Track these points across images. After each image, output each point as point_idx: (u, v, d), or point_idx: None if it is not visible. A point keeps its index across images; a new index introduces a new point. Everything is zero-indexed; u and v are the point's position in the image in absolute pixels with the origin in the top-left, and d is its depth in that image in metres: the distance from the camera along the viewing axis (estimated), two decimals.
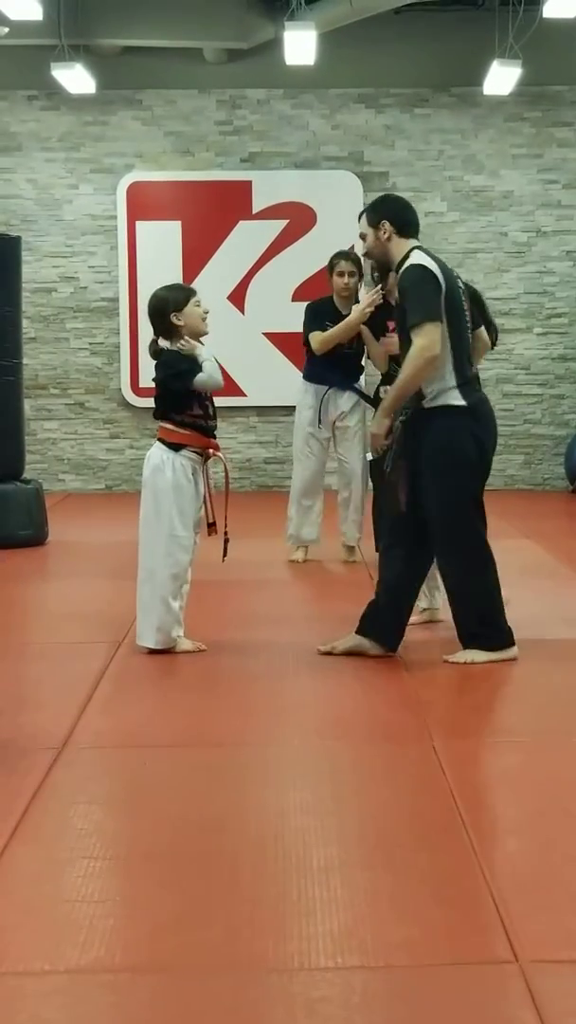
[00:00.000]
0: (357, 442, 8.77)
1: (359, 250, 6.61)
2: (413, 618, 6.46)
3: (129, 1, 12.53)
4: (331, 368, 8.66)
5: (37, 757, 4.68)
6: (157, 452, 6.28)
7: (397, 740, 4.93)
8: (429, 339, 5.80)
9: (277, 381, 13.35)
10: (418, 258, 5.96)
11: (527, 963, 3.06)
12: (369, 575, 8.32)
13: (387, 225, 6.06)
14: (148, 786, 4.47)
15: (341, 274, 8.58)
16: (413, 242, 6.07)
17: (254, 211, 13.57)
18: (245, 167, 13.66)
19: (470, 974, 3.05)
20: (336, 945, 3.17)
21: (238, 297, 13.55)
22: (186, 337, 6.25)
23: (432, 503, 5.97)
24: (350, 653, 6.15)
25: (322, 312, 8.65)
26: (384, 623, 6.18)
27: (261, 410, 13.65)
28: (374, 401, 8.14)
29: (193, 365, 6.22)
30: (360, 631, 6.18)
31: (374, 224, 6.12)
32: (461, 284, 6.12)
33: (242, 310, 13.57)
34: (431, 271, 5.90)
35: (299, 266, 13.17)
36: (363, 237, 6.32)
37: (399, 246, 6.06)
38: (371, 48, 13.21)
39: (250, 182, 13.58)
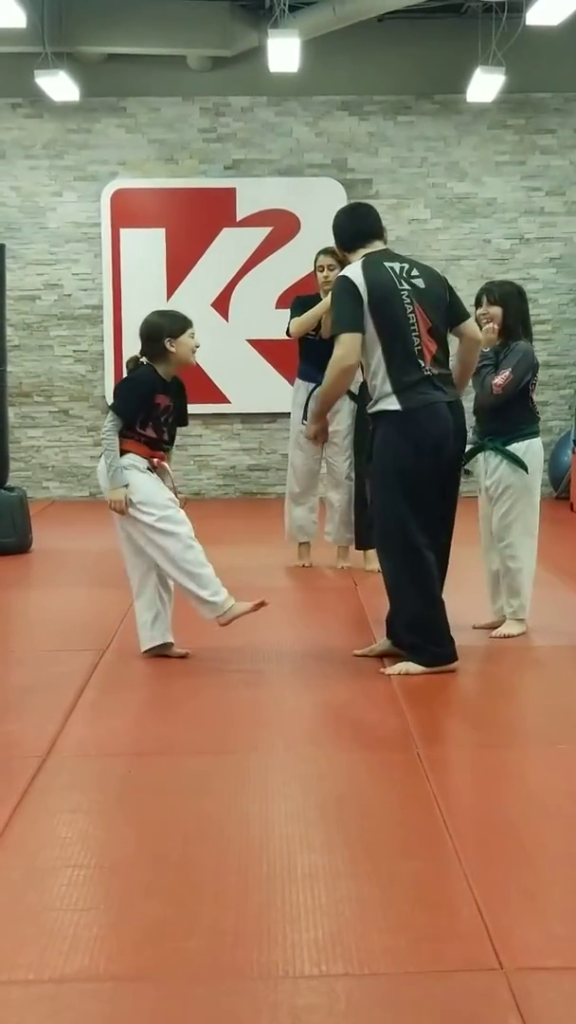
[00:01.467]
0: (347, 446, 8.83)
1: None
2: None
3: (113, 9, 12.54)
4: (320, 367, 8.68)
5: (21, 765, 4.67)
6: (101, 462, 6.30)
7: (382, 747, 4.93)
8: (344, 349, 5.91)
9: (261, 388, 13.37)
10: (348, 270, 6.05)
11: (512, 970, 3.06)
12: (353, 581, 8.32)
13: (339, 249, 6.33)
14: (133, 794, 4.47)
15: (320, 268, 8.74)
16: (362, 252, 6.10)
17: (238, 218, 13.57)
18: (229, 174, 13.67)
19: (455, 981, 3.05)
20: (321, 953, 3.17)
21: (222, 304, 13.55)
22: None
23: (374, 504, 6.09)
24: (384, 655, 6.24)
25: (307, 303, 8.81)
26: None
27: (245, 417, 13.65)
28: (359, 399, 8.25)
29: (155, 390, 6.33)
30: (389, 634, 6.27)
31: (336, 249, 6.40)
32: (421, 284, 6.05)
33: (226, 317, 13.58)
34: (351, 281, 5.94)
35: (283, 273, 13.17)
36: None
37: (352, 260, 6.14)
38: (354, 55, 13.24)
39: (234, 189, 13.59)
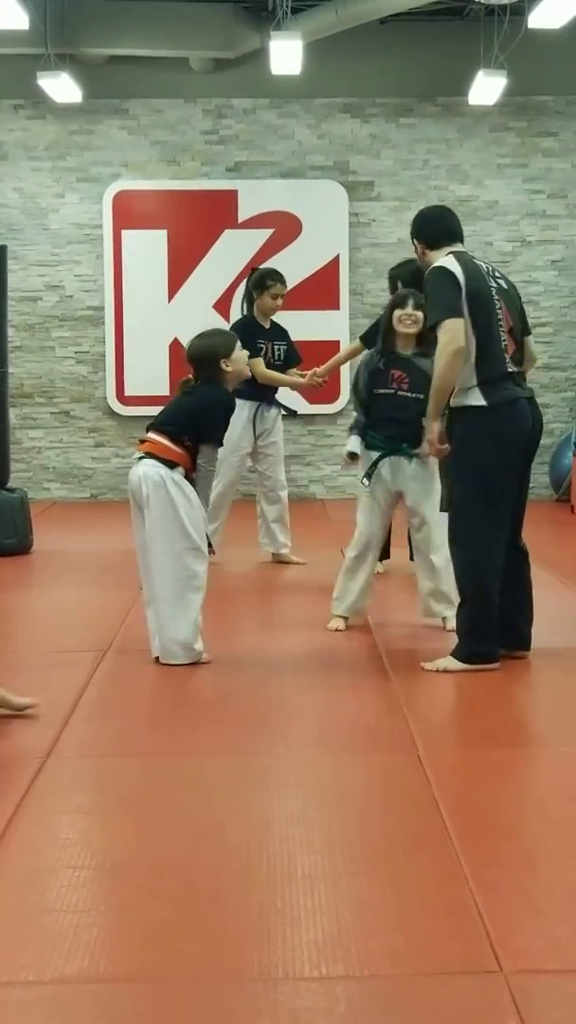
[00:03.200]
0: (281, 456, 9.36)
1: None
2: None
3: (115, 10, 12.54)
4: (261, 385, 8.97)
5: (22, 766, 4.67)
6: (153, 468, 6.20)
7: (382, 749, 4.94)
8: (449, 334, 5.89)
9: None
10: (442, 262, 6.09)
11: (512, 973, 3.06)
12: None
13: (417, 243, 6.34)
14: (133, 795, 4.47)
15: (275, 296, 8.83)
16: (447, 250, 6.17)
17: (240, 220, 13.57)
18: (231, 176, 13.67)
19: (455, 983, 3.05)
20: (321, 954, 3.17)
21: (223, 306, 13.54)
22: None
23: (451, 500, 6.10)
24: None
25: (254, 331, 8.93)
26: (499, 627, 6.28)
27: None
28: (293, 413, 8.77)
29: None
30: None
31: (412, 240, 6.38)
32: (504, 285, 6.16)
33: (227, 319, 13.56)
34: (449, 271, 6.00)
35: (285, 275, 13.15)
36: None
37: (432, 259, 6.21)
38: (357, 58, 13.24)
39: (236, 191, 13.59)
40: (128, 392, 13.69)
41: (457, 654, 6.07)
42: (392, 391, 6.79)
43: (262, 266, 9.65)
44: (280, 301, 8.87)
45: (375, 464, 6.81)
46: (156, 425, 6.31)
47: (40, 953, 3.19)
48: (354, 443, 6.93)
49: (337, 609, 7.00)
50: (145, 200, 13.61)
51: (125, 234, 13.59)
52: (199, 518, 6.20)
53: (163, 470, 6.17)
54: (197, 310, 13.51)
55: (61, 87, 12.40)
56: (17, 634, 7.35)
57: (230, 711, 5.50)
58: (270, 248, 13.50)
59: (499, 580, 6.08)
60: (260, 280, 9.04)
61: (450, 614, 6.66)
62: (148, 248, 13.55)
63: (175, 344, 13.59)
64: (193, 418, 6.20)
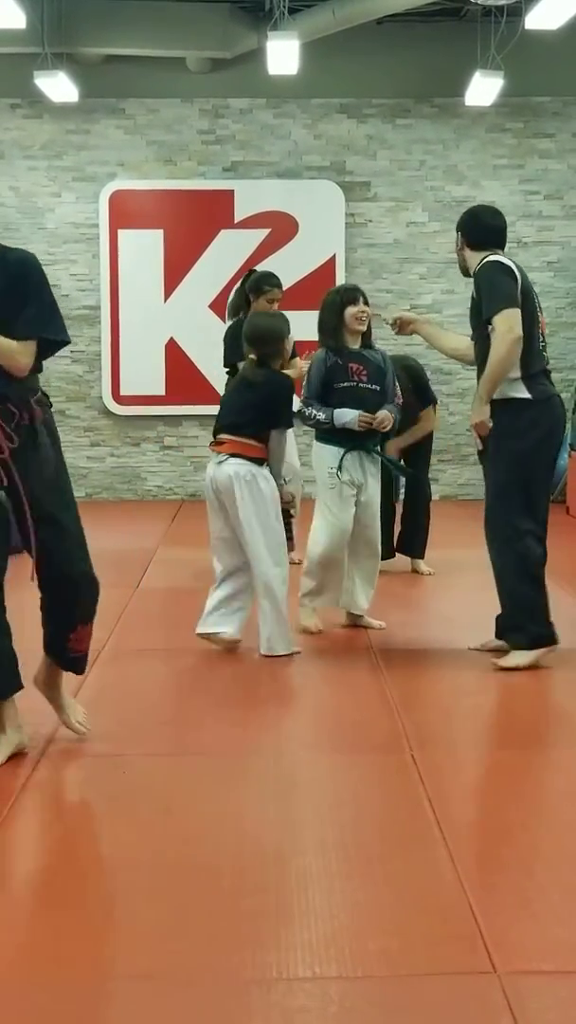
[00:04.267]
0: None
1: None
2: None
3: (112, 10, 12.54)
4: None
5: (17, 764, 4.67)
6: (244, 467, 6.32)
7: (376, 750, 4.94)
8: (509, 323, 5.96)
9: None
10: (495, 257, 6.16)
11: (505, 974, 3.06)
12: None
13: (460, 236, 6.34)
14: (128, 795, 4.47)
15: (272, 301, 8.79)
16: (487, 254, 6.20)
17: (236, 220, 13.57)
18: (227, 176, 13.67)
19: (449, 984, 3.05)
20: (314, 955, 3.17)
21: (219, 306, 13.50)
22: (295, 361, 6.50)
23: (487, 491, 6.17)
24: (497, 651, 6.32)
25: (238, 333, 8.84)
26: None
27: None
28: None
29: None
30: (497, 635, 6.38)
31: (456, 231, 6.40)
32: (536, 289, 6.34)
33: (224, 318, 13.54)
34: (505, 264, 6.09)
35: (281, 275, 12.99)
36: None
37: (472, 257, 6.25)
38: (353, 58, 13.24)
39: (232, 191, 13.59)
40: (124, 392, 13.69)
41: (521, 644, 6.14)
42: (354, 383, 6.80)
43: (258, 268, 9.62)
44: (276, 306, 8.86)
45: (342, 457, 6.78)
46: (231, 428, 6.44)
47: (33, 953, 3.19)
48: (348, 415, 6.85)
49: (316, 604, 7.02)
50: (141, 200, 13.61)
51: (121, 234, 13.58)
52: (278, 513, 6.45)
53: (254, 468, 6.33)
54: (193, 310, 13.53)
55: (58, 86, 12.39)
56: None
57: (224, 712, 5.50)
58: (266, 248, 13.50)
59: (544, 564, 6.19)
60: (256, 284, 9.01)
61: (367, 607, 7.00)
62: (144, 248, 13.55)
63: (171, 344, 13.60)
64: (263, 413, 6.37)
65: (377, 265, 13.77)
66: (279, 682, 6.00)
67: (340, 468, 6.75)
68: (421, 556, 8.93)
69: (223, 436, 6.44)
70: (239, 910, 3.43)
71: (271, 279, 9.00)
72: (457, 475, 13.93)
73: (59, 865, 3.77)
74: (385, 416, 6.74)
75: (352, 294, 6.93)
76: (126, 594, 8.01)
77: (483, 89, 12.42)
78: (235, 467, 6.31)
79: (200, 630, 6.46)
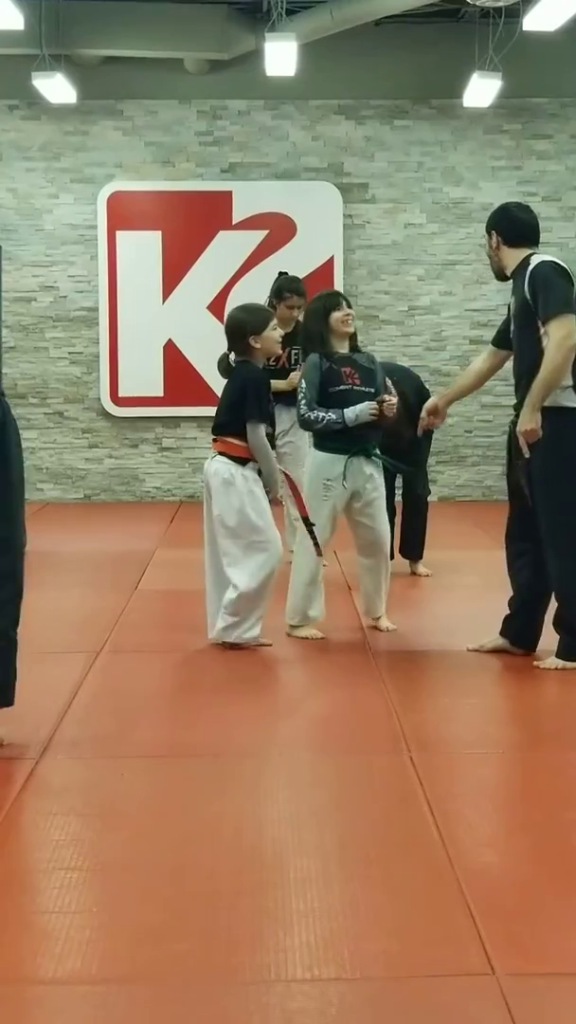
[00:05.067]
0: (301, 458, 9.06)
1: None
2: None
3: (110, 11, 12.54)
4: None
5: (14, 767, 4.67)
6: (224, 466, 6.42)
7: (374, 752, 4.94)
8: (567, 328, 5.87)
9: None
10: (546, 256, 6.11)
11: (503, 976, 3.06)
12: (347, 583, 8.32)
13: (495, 235, 6.23)
14: (126, 797, 4.47)
15: (291, 308, 8.77)
16: (527, 251, 6.15)
17: (234, 221, 13.57)
18: (225, 177, 13.67)
19: (447, 986, 3.05)
20: (313, 957, 3.17)
21: (218, 307, 13.53)
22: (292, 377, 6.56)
23: (541, 504, 6.09)
24: (497, 651, 6.37)
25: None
26: (516, 627, 6.37)
27: None
28: None
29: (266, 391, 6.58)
30: (502, 633, 6.40)
31: (488, 231, 6.30)
32: None
33: (222, 320, 13.51)
34: (562, 266, 6.05)
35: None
36: (485, 245, 6.53)
37: (509, 256, 6.19)
38: (352, 60, 13.24)
39: (230, 192, 13.59)
40: (122, 393, 13.68)
41: (566, 653, 6.11)
42: (348, 387, 6.80)
43: (287, 274, 9.51)
44: (296, 312, 8.81)
45: (346, 464, 6.76)
46: (216, 428, 6.61)
47: (32, 955, 3.19)
48: (358, 408, 6.82)
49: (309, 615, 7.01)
50: (139, 201, 13.60)
51: (119, 235, 13.58)
52: (264, 509, 6.44)
53: (233, 467, 6.40)
54: (191, 311, 13.52)
55: (56, 88, 12.39)
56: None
57: (222, 713, 5.50)
58: (264, 250, 13.50)
59: None
60: (279, 290, 9.04)
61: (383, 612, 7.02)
62: (142, 249, 13.54)
63: (169, 345, 13.59)
64: (231, 408, 6.46)
65: (375, 266, 13.77)
66: (277, 683, 6.00)
67: (345, 476, 6.74)
68: (419, 557, 8.93)
69: (214, 436, 6.61)
70: (237, 911, 3.43)
71: (292, 286, 8.96)
72: (455, 476, 13.93)
73: (57, 866, 3.77)
74: (390, 399, 6.77)
75: (334, 299, 6.99)
76: (124, 596, 8.02)
77: (481, 90, 12.42)
78: (217, 464, 6.46)
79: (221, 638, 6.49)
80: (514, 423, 6.13)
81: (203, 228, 13.56)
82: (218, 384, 14.14)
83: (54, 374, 13.80)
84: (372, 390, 6.80)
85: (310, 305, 7.07)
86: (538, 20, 10.47)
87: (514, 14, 11.42)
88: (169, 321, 13.56)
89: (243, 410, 6.42)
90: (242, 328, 6.53)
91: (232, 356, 6.62)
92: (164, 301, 13.59)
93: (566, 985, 3.05)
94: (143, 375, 13.60)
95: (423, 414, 6.82)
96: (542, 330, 5.91)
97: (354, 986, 3.05)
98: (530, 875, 3.72)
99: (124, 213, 13.56)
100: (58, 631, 7.13)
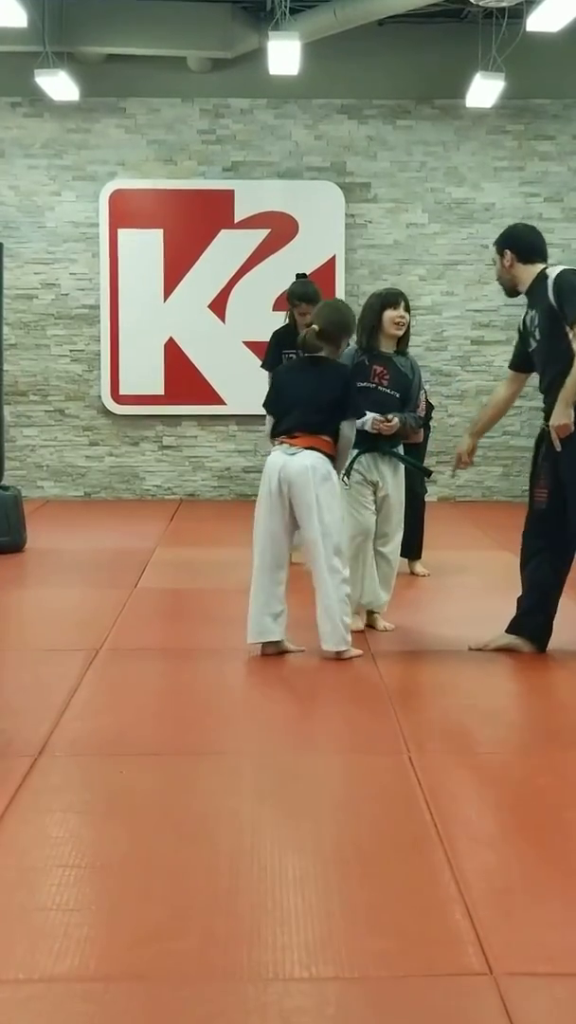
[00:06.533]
0: None
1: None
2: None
3: (113, 9, 12.54)
4: None
5: (13, 764, 4.66)
6: (319, 461, 6.28)
7: (373, 751, 4.94)
8: None
9: (256, 390, 13.24)
10: (565, 267, 6.23)
11: (501, 975, 3.06)
12: None
13: (509, 254, 6.32)
14: (124, 794, 4.47)
15: (302, 314, 8.77)
16: (543, 265, 6.27)
17: (236, 220, 13.58)
18: (228, 176, 13.68)
19: (444, 986, 3.05)
20: (311, 955, 3.17)
21: (219, 306, 13.56)
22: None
23: (573, 499, 6.16)
24: (501, 650, 6.40)
25: (284, 340, 8.87)
26: (534, 623, 6.42)
27: (240, 419, 13.65)
28: None
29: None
30: (511, 630, 6.44)
31: (499, 252, 6.37)
32: None
33: (223, 319, 13.58)
34: None
35: (280, 276, 13.11)
36: (494, 263, 6.54)
37: (524, 272, 6.29)
38: (354, 59, 13.25)
39: (232, 191, 13.60)
40: (123, 391, 13.69)
41: None
42: (373, 386, 6.82)
43: (305, 276, 9.46)
44: (308, 318, 8.78)
45: (352, 462, 6.79)
46: (306, 426, 6.35)
47: (30, 952, 3.19)
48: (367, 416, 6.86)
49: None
50: (141, 199, 13.61)
51: (121, 233, 13.59)
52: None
53: (328, 463, 6.31)
54: (192, 310, 13.53)
55: (58, 85, 12.40)
56: (9, 632, 7.34)
57: (221, 712, 5.50)
58: (266, 249, 13.51)
59: None
60: (289, 295, 9.01)
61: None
62: (144, 247, 13.55)
63: (170, 343, 13.60)
64: (335, 406, 6.35)
65: (377, 266, 13.77)
66: (276, 682, 6.00)
67: (348, 473, 6.76)
68: (418, 557, 8.93)
69: (294, 434, 6.38)
70: (236, 910, 3.43)
71: (300, 291, 8.89)
72: (455, 476, 13.92)
73: (55, 863, 3.77)
74: (394, 420, 6.77)
75: (393, 298, 6.98)
76: (124, 594, 8.01)
77: (484, 91, 12.43)
78: (311, 459, 6.26)
79: (260, 639, 6.40)
80: (545, 426, 6.26)
81: (205, 227, 13.57)
82: (219, 383, 14.08)
83: (55, 371, 13.81)
84: (397, 394, 6.82)
85: (369, 299, 7.07)
86: (541, 21, 10.48)
87: (517, 15, 11.44)
88: (170, 319, 13.56)
89: (344, 409, 6.35)
90: (348, 328, 6.48)
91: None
92: (165, 299, 13.60)
93: (563, 985, 3.05)
94: (144, 373, 13.61)
95: (454, 460, 6.82)
96: (571, 334, 6.00)
97: (352, 985, 3.05)
98: (528, 875, 3.72)
99: (126, 211, 13.57)
100: (57, 629, 7.14)
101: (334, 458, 6.35)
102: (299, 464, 6.23)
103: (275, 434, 6.48)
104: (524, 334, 6.44)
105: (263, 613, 6.32)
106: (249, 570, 6.45)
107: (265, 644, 6.35)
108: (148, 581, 8.62)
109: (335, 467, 6.36)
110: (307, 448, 6.27)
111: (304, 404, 6.34)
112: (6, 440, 11.04)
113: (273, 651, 6.35)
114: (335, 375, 6.41)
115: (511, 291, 6.44)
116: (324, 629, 6.26)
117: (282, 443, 6.37)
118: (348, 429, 6.39)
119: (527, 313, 6.37)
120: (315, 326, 6.41)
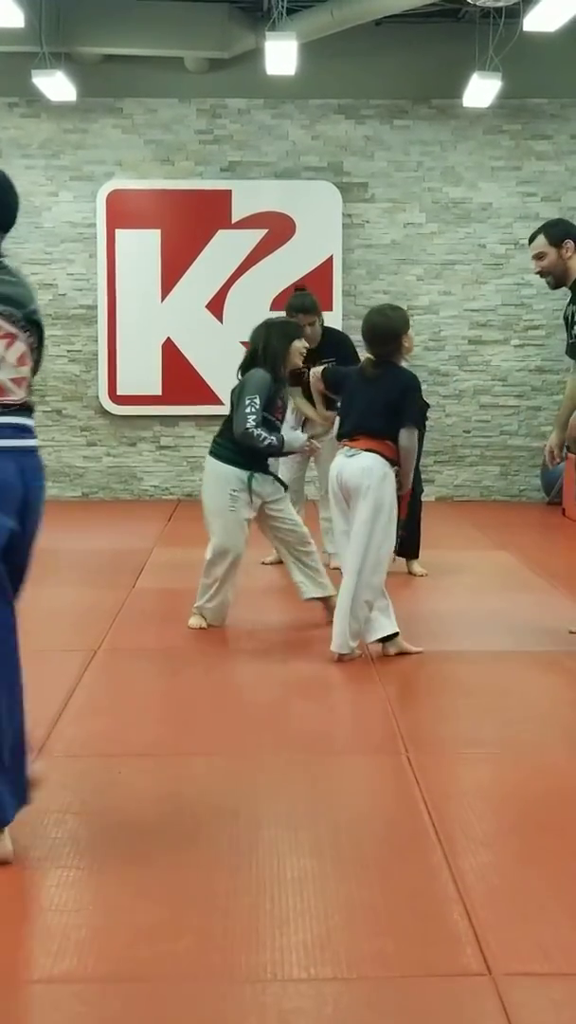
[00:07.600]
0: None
1: (533, 268, 6.83)
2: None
3: (111, 9, 12.54)
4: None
5: None
6: (378, 463, 6.27)
7: (371, 752, 4.94)
8: None
9: None
10: None
11: (500, 975, 3.07)
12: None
13: (570, 243, 6.44)
14: (122, 795, 4.46)
15: (307, 325, 8.68)
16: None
17: (233, 220, 13.58)
18: (225, 176, 13.67)
19: (443, 986, 3.05)
20: (309, 956, 3.17)
21: (216, 306, 13.56)
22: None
23: None
24: None
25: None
26: None
27: None
28: None
29: None
30: None
31: (556, 243, 6.47)
32: None
33: (220, 319, 13.58)
34: None
35: (278, 276, 13.19)
36: (540, 256, 6.60)
37: (558, 255, 6.44)
38: (352, 59, 13.25)
39: (230, 191, 13.60)
40: (120, 391, 13.69)
41: None
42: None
43: (303, 290, 9.38)
44: (308, 329, 8.71)
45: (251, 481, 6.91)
46: (365, 430, 6.33)
47: (29, 953, 3.19)
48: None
49: None
50: (139, 199, 13.61)
51: (118, 233, 13.58)
52: None
53: (388, 468, 6.28)
54: (190, 310, 13.53)
55: (56, 85, 12.40)
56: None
57: (219, 712, 5.50)
58: (263, 249, 13.51)
59: None
60: (287, 308, 8.89)
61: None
62: (141, 247, 13.55)
63: (168, 344, 13.60)
64: (394, 411, 6.29)
65: (374, 266, 13.77)
66: (275, 683, 6.00)
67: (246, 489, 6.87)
68: (415, 557, 8.93)
69: (355, 437, 6.38)
70: (234, 911, 3.43)
71: (296, 305, 8.75)
72: (453, 476, 13.93)
73: (53, 864, 3.77)
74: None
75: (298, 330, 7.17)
76: (122, 594, 8.01)
77: (481, 91, 12.43)
78: (370, 460, 6.27)
79: (378, 636, 6.43)
80: None
81: (202, 227, 13.57)
82: (217, 383, 14.07)
83: (53, 372, 13.80)
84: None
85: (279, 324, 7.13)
86: (538, 20, 10.48)
87: (514, 14, 11.44)
88: (168, 320, 13.56)
89: (401, 417, 6.28)
90: (399, 327, 6.41)
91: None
92: (163, 300, 13.60)
93: (562, 985, 3.05)
94: (142, 373, 13.61)
95: (547, 456, 6.77)
96: None
97: (350, 986, 3.05)
98: (526, 875, 3.72)
99: (123, 211, 13.57)
100: (55, 629, 7.13)
101: (395, 462, 6.31)
102: (356, 465, 6.27)
103: (339, 437, 6.54)
104: (570, 324, 6.51)
105: (377, 612, 6.39)
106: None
107: (385, 644, 6.42)
108: (146, 581, 8.62)
109: (399, 477, 6.33)
110: (366, 451, 6.30)
111: (364, 408, 6.36)
112: None
113: (394, 651, 6.42)
114: (394, 380, 6.37)
115: (560, 282, 6.50)
116: (338, 628, 6.30)
117: (344, 446, 6.41)
118: (405, 438, 6.28)
119: (568, 307, 6.48)
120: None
